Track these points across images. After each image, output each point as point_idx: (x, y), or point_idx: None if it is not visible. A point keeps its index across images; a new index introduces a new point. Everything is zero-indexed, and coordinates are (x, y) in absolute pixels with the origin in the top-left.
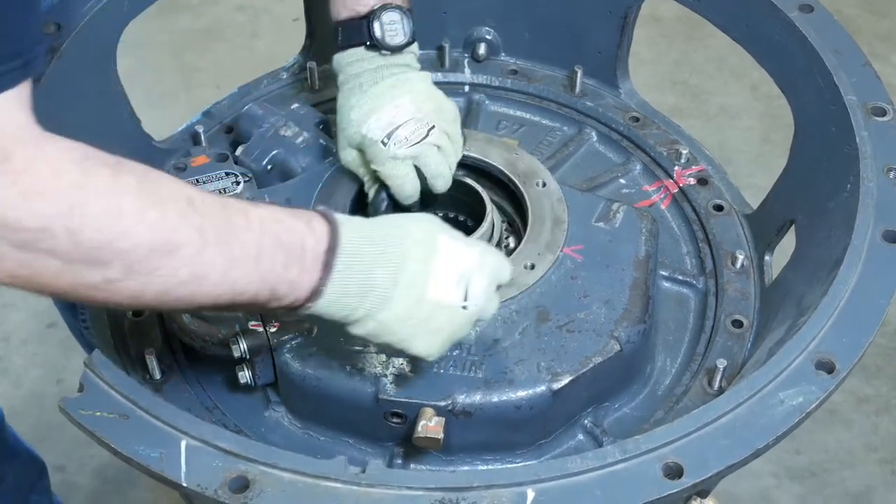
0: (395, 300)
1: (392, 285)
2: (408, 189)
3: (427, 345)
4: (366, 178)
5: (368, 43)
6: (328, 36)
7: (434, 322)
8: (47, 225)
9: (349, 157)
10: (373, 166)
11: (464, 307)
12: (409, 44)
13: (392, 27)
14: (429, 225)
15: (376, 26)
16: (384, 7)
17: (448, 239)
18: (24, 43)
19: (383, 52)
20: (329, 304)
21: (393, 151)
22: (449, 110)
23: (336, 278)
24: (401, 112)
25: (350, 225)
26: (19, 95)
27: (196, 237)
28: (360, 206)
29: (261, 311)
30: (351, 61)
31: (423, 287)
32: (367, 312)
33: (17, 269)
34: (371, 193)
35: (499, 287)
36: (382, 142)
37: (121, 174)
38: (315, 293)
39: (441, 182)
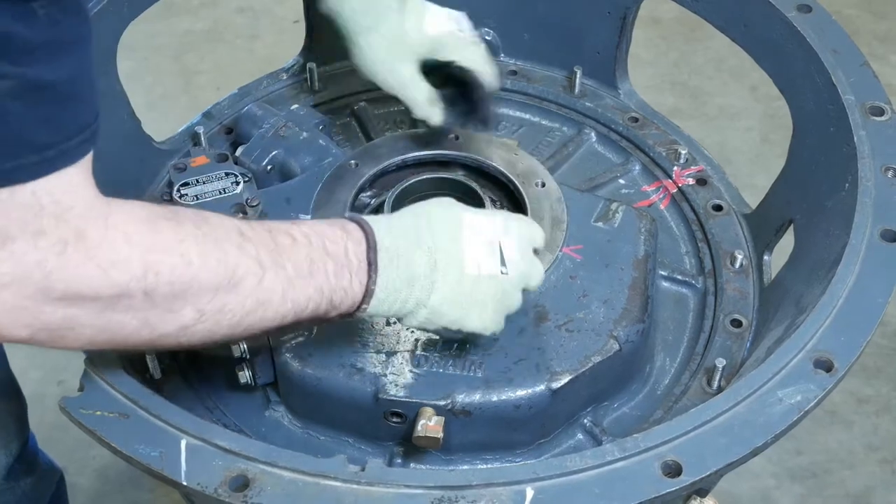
0: (438, 283)
1: (431, 270)
2: (490, 69)
3: (480, 319)
4: (416, 96)
5: None
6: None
7: (479, 294)
8: (124, 291)
9: (406, 72)
10: (452, 57)
11: (503, 272)
12: None
13: None
14: (448, 205)
15: None
16: None
17: (470, 214)
18: (89, 115)
19: None
20: (381, 302)
21: (470, 36)
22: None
23: (382, 275)
24: (445, 12)
25: (379, 223)
26: (85, 167)
27: (255, 267)
28: (357, 207)
29: (321, 322)
30: None
31: (459, 264)
32: (417, 302)
33: (97, 335)
34: (435, 112)
35: (536, 252)
36: (459, 30)
37: (181, 224)
38: (368, 294)
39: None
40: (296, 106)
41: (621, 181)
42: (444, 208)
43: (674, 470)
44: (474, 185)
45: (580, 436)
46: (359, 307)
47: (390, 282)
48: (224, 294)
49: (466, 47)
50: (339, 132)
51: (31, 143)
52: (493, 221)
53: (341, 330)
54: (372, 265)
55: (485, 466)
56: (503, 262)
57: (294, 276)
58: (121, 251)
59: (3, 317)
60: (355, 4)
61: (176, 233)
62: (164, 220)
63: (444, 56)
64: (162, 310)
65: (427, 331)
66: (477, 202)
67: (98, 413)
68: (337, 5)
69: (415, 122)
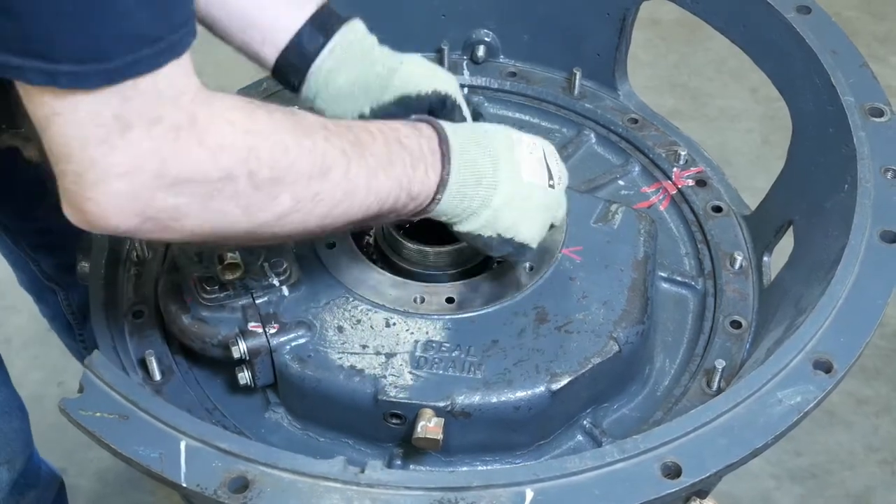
0: (500, 184)
1: (495, 171)
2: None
3: (530, 228)
4: None
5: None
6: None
7: (532, 202)
8: (230, 173)
9: None
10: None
11: (551, 185)
12: None
13: None
14: (497, 124)
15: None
16: None
17: (517, 132)
18: (189, 6)
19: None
20: (452, 196)
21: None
22: None
23: (455, 169)
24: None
25: (448, 126)
26: (190, 57)
27: (341, 157)
28: None
29: (398, 216)
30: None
31: (518, 171)
32: (482, 201)
33: (201, 224)
34: None
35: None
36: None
37: (273, 113)
38: (442, 184)
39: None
40: (296, 107)
41: (621, 182)
42: (495, 125)
43: (673, 471)
44: None
45: (580, 437)
46: (433, 199)
47: (461, 175)
48: (317, 181)
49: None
50: None
51: (144, 36)
52: (538, 142)
53: (341, 331)
54: (445, 156)
55: (484, 468)
56: (551, 177)
57: (376, 166)
58: (227, 135)
59: (115, 206)
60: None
61: (271, 120)
62: (259, 109)
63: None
64: (263, 195)
65: (477, 243)
66: None
67: (98, 414)
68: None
69: None
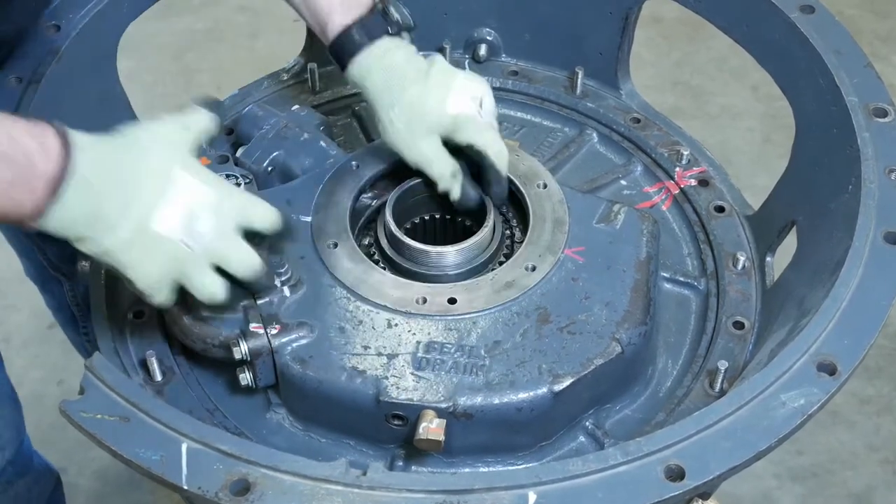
0: (119, 228)
1: (119, 215)
2: (504, 153)
3: (145, 275)
4: (441, 171)
5: (390, 31)
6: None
7: (154, 253)
8: None
9: (430, 147)
10: (470, 141)
11: (185, 243)
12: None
13: (400, 7)
14: (169, 153)
15: (393, 10)
16: None
17: (184, 172)
18: None
19: (403, 34)
20: (54, 225)
21: (489, 120)
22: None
23: (64, 204)
24: (469, 88)
25: (86, 151)
26: None
27: None
28: (358, 210)
29: None
30: (381, 55)
31: (147, 218)
32: (91, 236)
33: None
34: (456, 188)
35: (263, 236)
36: (479, 113)
37: None
38: (39, 214)
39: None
40: (296, 107)
41: (623, 182)
42: (162, 157)
43: (676, 474)
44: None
45: (582, 438)
46: (25, 222)
47: (70, 210)
48: None
49: (483, 132)
50: (340, 133)
51: None
52: (205, 191)
53: (343, 332)
54: (55, 192)
55: (486, 469)
56: (190, 236)
57: None
58: None
59: None
60: (377, 80)
61: None
62: None
63: (462, 138)
64: None
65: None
66: (479, 205)
67: (98, 416)
68: (360, 80)
69: None
